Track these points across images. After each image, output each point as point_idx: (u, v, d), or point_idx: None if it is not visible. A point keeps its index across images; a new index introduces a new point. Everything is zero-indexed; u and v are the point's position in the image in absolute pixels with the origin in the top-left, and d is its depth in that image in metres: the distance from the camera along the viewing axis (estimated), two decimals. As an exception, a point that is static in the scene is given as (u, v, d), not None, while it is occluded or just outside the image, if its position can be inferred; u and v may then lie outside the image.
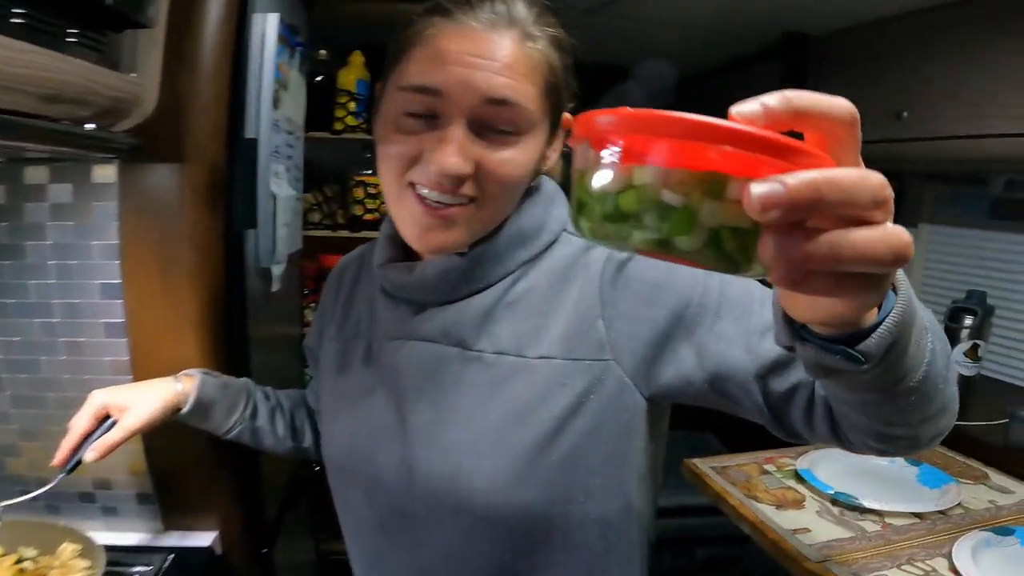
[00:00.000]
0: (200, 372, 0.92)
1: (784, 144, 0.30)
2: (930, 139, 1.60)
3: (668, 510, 1.44)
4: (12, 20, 0.63)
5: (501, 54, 0.63)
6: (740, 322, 0.63)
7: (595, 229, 0.34)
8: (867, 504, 1.23)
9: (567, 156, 0.75)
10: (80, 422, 0.84)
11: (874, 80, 1.75)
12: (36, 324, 1.03)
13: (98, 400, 0.86)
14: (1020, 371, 1.83)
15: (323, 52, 2.06)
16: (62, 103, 0.74)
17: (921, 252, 2.05)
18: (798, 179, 0.28)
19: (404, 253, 0.77)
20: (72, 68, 0.72)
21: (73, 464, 0.84)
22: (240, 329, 1.17)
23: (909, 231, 0.30)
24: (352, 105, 2.10)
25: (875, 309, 0.39)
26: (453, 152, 0.63)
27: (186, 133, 1.02)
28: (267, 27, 1.16)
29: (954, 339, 1.63)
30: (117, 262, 1.02)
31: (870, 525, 1.19)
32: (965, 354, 1.62)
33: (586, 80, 0.73)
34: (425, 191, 0.65)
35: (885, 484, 1.33)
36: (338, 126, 2.11)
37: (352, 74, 2.10)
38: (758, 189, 0.28)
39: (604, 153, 0.33)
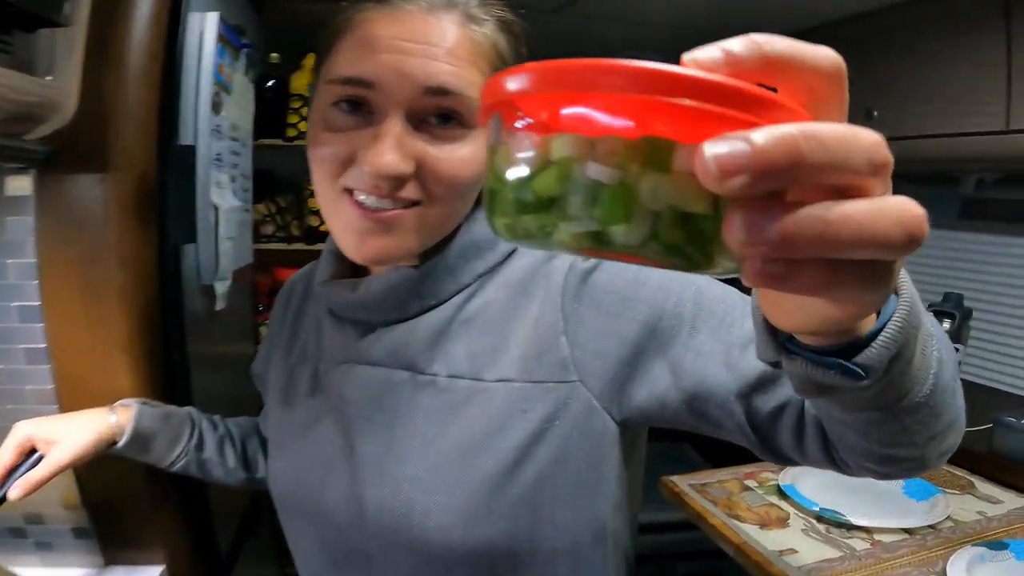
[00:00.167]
0: (137, 402, 0.84)
1: (750, 94, 0.22)
2: (901, 138, 1.58)
3: (647, 526, 1.38)
4: None
5: (440, 38, 0.55)
6: (719, 335, 0.56)
7: (512, 225, 0.26)
8: (854, 520, 1.18)
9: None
10: (3, 456, 0.77)
11: (844, 79, 1.73)
12: (-53, 351, 0.93)
13: (22, 432, 0.78)
14: (1000, 375, 1.80)
15: (275, 55, 1.96)
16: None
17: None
18: (768, 134, 0.21)
19: (351, 269, 0.70)
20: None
21: None
22: (178, 351, 1.07)
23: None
24: (306, 111, 2.00)
25: (874, 314, 0.32)
26: (389, 149, 0.54)
27: (111, 140, 0.94)
28: (205, 27, 1.08)
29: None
30: (35, 282, 0.93)
31: (859, 543, 1.13)
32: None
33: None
34: (362, 197, 0.57)
35: (871, 497, 1.28)
36: (291, 132, 2.01)
37: (306, 78, 2.00)
38: (714, 149, 0.21)
39: (516, 125, 0.25)
